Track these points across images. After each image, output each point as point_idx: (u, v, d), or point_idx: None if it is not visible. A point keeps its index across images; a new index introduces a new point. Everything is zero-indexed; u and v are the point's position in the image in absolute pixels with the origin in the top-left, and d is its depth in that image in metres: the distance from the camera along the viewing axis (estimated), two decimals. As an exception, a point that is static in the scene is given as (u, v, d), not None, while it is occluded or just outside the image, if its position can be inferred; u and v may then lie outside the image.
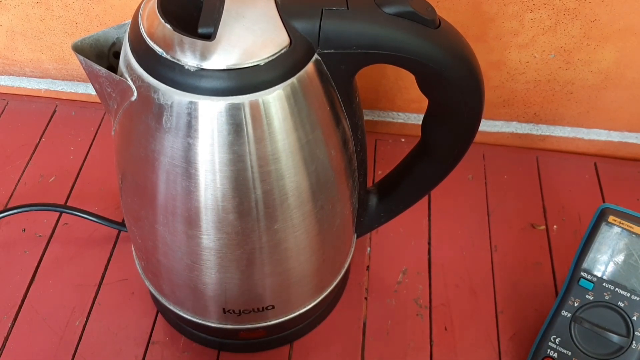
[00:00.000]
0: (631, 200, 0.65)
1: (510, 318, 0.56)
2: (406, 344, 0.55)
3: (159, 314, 0.56)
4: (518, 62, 0.63)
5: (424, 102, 0.44)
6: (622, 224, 0.49)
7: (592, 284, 0.49)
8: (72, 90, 0.77)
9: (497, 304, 0.57)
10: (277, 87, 0.36)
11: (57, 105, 0.75)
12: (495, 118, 0.70)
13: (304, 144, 0.39)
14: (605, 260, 0.49)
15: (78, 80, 0.76)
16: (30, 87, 0.77)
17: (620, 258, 0.48)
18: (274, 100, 0.36)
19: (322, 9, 0.37)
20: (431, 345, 0.55)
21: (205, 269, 0.44)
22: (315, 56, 0.37)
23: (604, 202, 0.65)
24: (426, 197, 0.65)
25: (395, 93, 0.69)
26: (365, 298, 0.58)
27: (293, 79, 0.36)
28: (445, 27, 0.39)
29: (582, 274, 0.49)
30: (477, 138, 0.45)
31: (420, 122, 0.47)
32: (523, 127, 0.71)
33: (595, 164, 0.69)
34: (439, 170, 0.48)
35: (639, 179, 0.68)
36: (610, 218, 0.49)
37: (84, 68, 0.39)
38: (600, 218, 0.49)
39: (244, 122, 0.36)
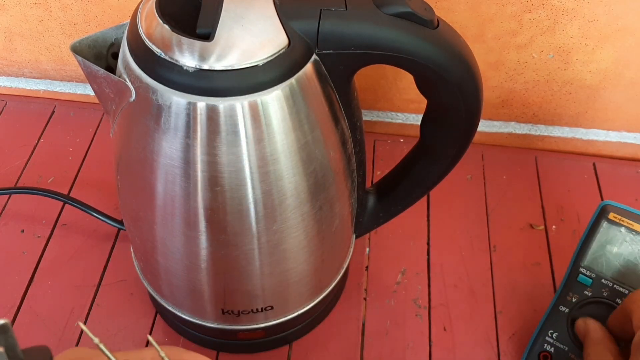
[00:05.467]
0: (630, 200, 0.65)
1: (509, 318, 0.56)
2: (405, 344, 0.55)
3: (158, 315, 0.56)
4: (517, 62, 0.64)
5: (423, 102, 0.44)
6: (623, 221, 0.49)
7: (591, 280, 0.49)
8: (71, 91, 0.77)
9: (496, 304, 0.57)
10: (275, 87, 0.36)
11: (55, 106, 0.75)
12: (494, 118, 0.70)
13: (302, 144, 0.39)
14: (604, 257, 0.49)
15: (77, 81, 0.76)
16: (28, 88, 0.77)
17: (620, 255, 0.49)
18: (272, 100, 0.36)
19: (321, 10, 0.37)
20: (430, 346, 0.55)
21: (204, 269, 0.44)
22: (314, 57, 0.37)
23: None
24: (425, 198, 0.65)
25: (394, 93, 0.69)
26: (364, 298, 0.58)
27: (292, 80, 0.36)
28: (444, 28, 0.39)
29: (581, 269, 0.49)
30: (476, 138, 0.45)
31: (419, 123, 0.47)
32: (522, 127, 0.71)
33: (594, 164, 0.69)
34: (437, 171, 0.48)
35: (637, 179, 0.68)
36: (611, 215, 0.49)
37: (82, 69, 0.39)
38: (601, 215, 0.49)
39: (243, 123, 0.36)
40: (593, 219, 0.50)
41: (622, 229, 0.48)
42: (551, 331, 0.50)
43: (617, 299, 0.48)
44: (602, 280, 0.49)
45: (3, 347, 0.25)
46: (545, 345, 0.50)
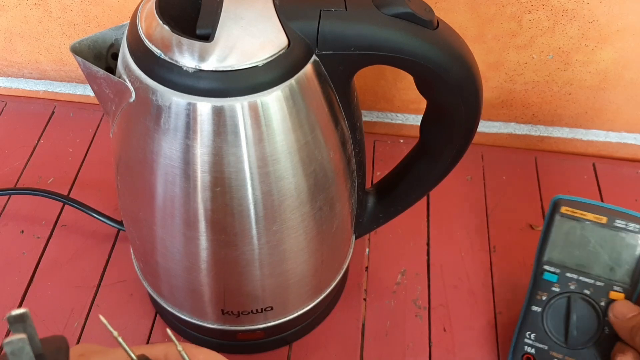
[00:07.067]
0: (629, 200, 0.65)
1: (509, 318, 0.56)
2: (405, 345, 0.55)
3: (158, 316, 0.56)
4: (516, 63, 0.64)
5: (423, 103, 0.45)
6: (575, 212, 0.49)
7: (557, 276, 0.49)
8: (71, 92, 0.77)
9: (495, 304, 0.57)
10: (275, 88, 0.36)
11: (55, 107, 0.75)
12: (494, 119, 0.70)
13: (302, 145, 0.39)
14: (565, 250, 0.49)
15: (76, 82, 0.76)
16: (28, 89, 0.77)
17: (579, 247, 0.49)
18: (272, 101, 0.36)
19: (321, 10, 0.37)
20: (430, 346, 0.55)
21: (204, 270, 0.44)
22: (314, 57, 0.37)
23: (602, 202, 0.65)
24: (425, 198, 0.65)
25: (393, 94, 0.69)
26: (364, 299, 0.58)
27: (291, 80, 0.36)
28: (444, 28, 0.39)
29: (545, 267, 0.50)
30: (476, 139, 0.45)
31: (419, 123, 0.47)
32: (521, 128, 0.71)
33: (593, 164, 0.69)
34: (437, 171, 0.48)
35: (637, 179, 0.68)
36: (563, 209, 0.49)
37: (82, 69, 0.39)
38: (554, 210, 0.49)
39: (243, 124, 0.36)
40: (547, 216, 0.50)
41: (577, 221, 0.49)
42: (529, 332, 0.50)
43: (584, 290, 0.48)
44: (567, 274, 0.49)
45: (25, 334, 0.25)
46: (526, 347, 0.50)
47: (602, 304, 0.48)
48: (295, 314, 0.51)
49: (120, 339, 0.30)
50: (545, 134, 0.71)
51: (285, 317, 0.50)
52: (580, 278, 0.49)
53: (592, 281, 0.48)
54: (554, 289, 0.49)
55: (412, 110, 0.70)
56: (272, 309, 0.49)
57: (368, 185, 0.52)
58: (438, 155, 0.47)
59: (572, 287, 0.49)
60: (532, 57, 0.63)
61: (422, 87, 0.43)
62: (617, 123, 0.68)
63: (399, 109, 0.71)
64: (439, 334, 0.55)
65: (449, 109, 0.43)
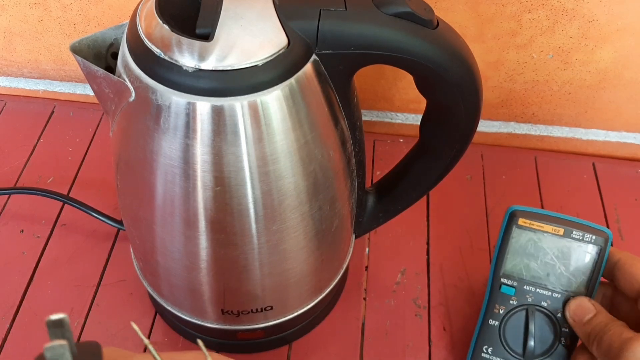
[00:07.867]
0: (629, 200, 0.65)
1: (509, 318, 0.56)
2: (405, 344, 0.55)
3: (158, 315, 0.56)
4: (516, 62, 0.64)
5: (422, 102, 0.45)
6: (533, 224, 0.48)
7: (514, 289, 0.48)
8: (70, 91, 0.77)
9: (495, 304, 0.57)
10: (275, 87, 0.36)
11: (55, 106, 0.75)
12: (494, 118, 0.70)
13: (302, 144, 0.39)
14: (522, 263, 0.48)
15: (76, 81, 0.76)
16: (28, 88, 0.77)
17: (536, 258, 0.48)
18: (272, 100, 0.36)
19: (320, 10, 0.37)
20: (430, 346, 0.55)
21: (204, 269, 0.44)
22: (314, 57, 0.37)
23: (602, 202, 0.65)
24: (425, 198, 0.65)
25: (393, 93, 0.69)
26: (364, 298, 0.58)
27: (291, 80, 0.36)
28: (443, 28, 0.39)
29: (502, 280, 0.49)
30: (476, 138, 0.45)
31: (419, 123, 0.47)
32: (521, 127, 0.71)
33: (593, 164, 0.69)
34: (437, 171, 0.48)
35: (637, 178, 0.68)
36: (520, 220, 0.48)
37: (81, 69, 0.39)
38: (510, 221, 0.48)
39: (242, 123, 0.36)
40: (503, 227, 0.49)
41: (533, 232, 0.48)
42: (486, 347, 0.50)
43: (542, 302, 0.48)
44: (525, 287, 0.48)
45: (65, 340, 0.25)
46: None
47: (559, 315, 0.48)
48: (295, 314, 0.51)
49: (151, 347, 0.30)
50: (545, 134, 0.71)
51: (285, 317, 0.50)
52: (538, 290, 0.48)
53: (549, 293, 0.48)
54: (511, 302, 0.49)
55: (412, 109, 0.70)
56: (272, 308, 0.49)
57: (368, 184, 0.52)
58: (438, 154, 0.47)
59: (530, 299, 0.48)
60: (532, 57, 0.63)
61: (422, 86, 0.43)
62: (617, 122, 0.68)
63: (399, 109, 0.71)
64: (438, 333, 0.55)
65: (448, 109, 0.43)
